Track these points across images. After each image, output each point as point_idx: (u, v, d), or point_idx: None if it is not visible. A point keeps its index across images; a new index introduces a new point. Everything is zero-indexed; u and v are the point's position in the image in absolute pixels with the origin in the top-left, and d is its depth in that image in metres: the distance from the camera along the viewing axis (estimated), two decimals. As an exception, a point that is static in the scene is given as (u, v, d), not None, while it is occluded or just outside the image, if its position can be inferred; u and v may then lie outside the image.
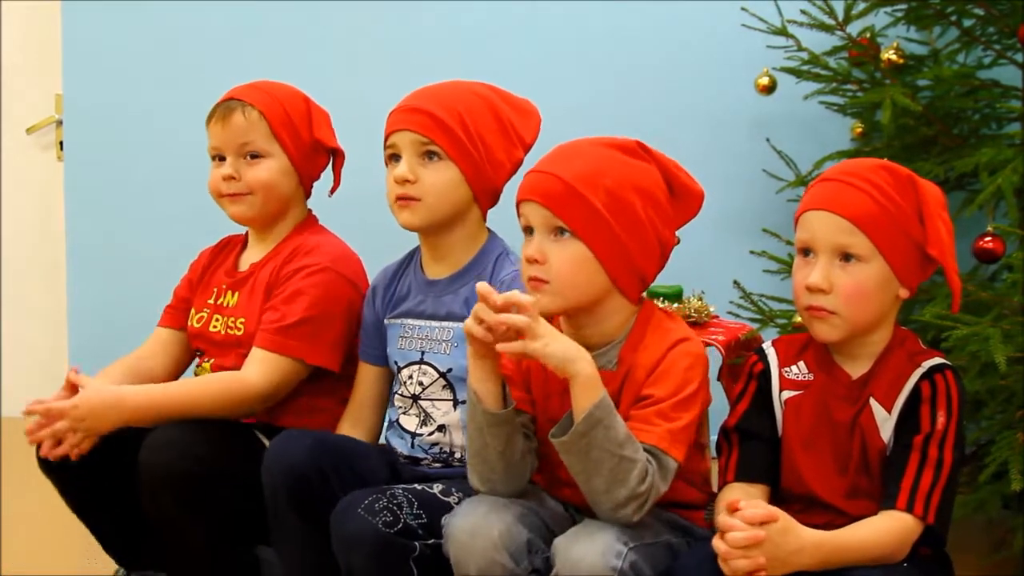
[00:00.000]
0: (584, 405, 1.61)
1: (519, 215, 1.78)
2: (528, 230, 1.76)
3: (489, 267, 2.04)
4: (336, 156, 2.31)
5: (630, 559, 1.60)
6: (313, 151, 2.26)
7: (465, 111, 2.00)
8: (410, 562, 1.79)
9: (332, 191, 2.32)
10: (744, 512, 1.52)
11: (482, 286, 1.63)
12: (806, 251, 1.71)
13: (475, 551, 1.66)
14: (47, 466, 2.12)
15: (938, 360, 1.72)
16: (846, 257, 1.66)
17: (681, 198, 1.80)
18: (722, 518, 1.54)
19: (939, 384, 1.68)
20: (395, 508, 1.79)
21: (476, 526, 1.67)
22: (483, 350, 1.66)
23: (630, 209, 1.72)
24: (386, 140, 2.04)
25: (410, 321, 2.09)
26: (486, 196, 2.05)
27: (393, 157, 2.03)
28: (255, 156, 2.19)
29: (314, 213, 2.32)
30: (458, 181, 2.00)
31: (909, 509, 1.61)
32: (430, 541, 1.80)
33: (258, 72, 3.35)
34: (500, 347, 1.62)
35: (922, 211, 1.69)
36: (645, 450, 1.64)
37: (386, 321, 2.13)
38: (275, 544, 1.98)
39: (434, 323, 2.06)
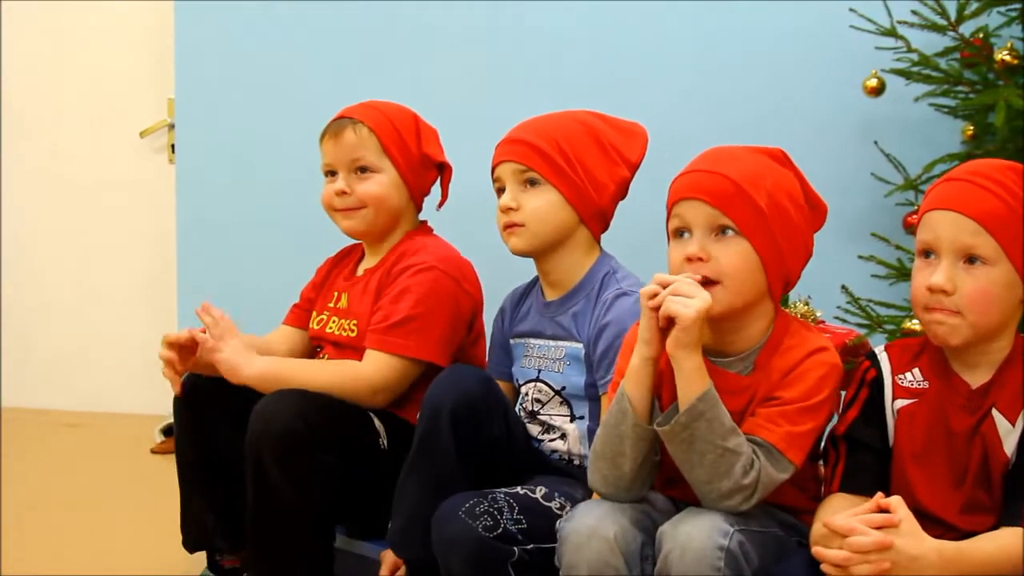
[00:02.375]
0: (688, 396, 1.63)
1: (670, 216, 1.79)
2: (679, 232, 1.77)
3: (596, 285, 2.08)
4: (444, 171, 2.38)
5: (737, 539, 1.61)
6: (422, 166, 2.34)
7: (562, 138, 2.07)
8: (508, 566, 1.82)
9: (440, 205, 2.41)
10: (867, 516, 1.50)
11: None
12: (927, 252, 1.66)
13: (590, 552, 1.68)
14: (190, 426, 2.27)
15: (1068, 371, 1.66)
16: (971, 259, 1.62)
17: (814, 209, 1.84)
18: (840, 519, 1.52)
19: None
20: (496, 512, 1.83)
21: (593, 528, 1.69)
22: (658, 350, 1.69)
23: (786, 213, 1.75)
24: (493, 174, 2.13)
25: (531, 340, 2.16)
26: (593, 218, 2.11)
27: (500, 190, 2.11)
28: (366, 171, 2.28)
29: (428, 224, 2.40)
30: (559, 204, 2.06)
31: None
32: (529, 547, 1.83)
33: (370, 74, 3.46)
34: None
35: None
36: (761, 446, 1.66)
37: (511, 341, 2.21)
38: (411, 473, 1.99)
39: (550, 343, 2.12)
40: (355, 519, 2.27)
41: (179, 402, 2.25)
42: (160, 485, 2.78)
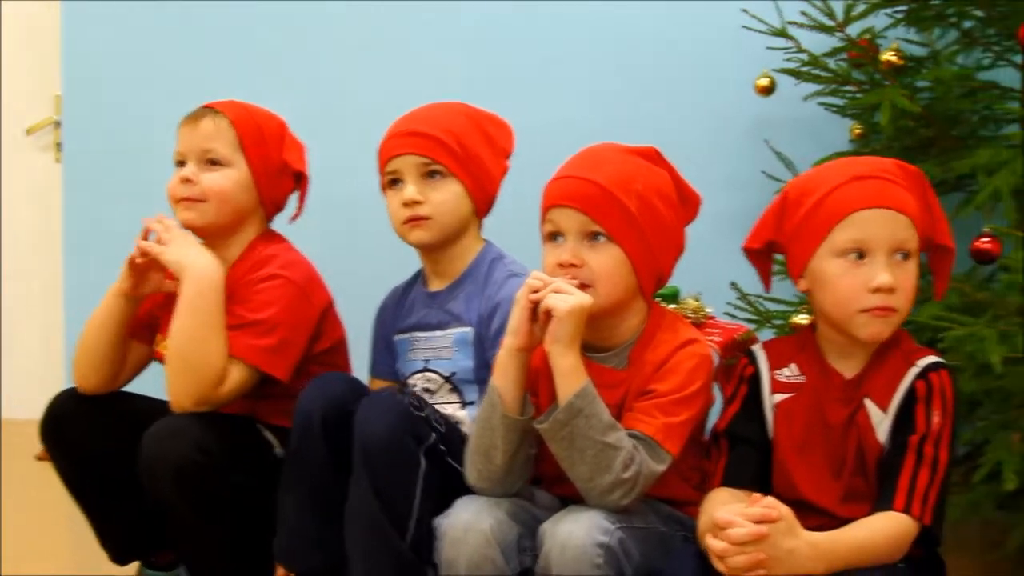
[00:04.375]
0: (566, 393, 1.65)
1: (544, 221, 1.81)
2: (554, 236, 1.79)
3: (484, 269, 2.09)
4: (302, 182, 2.27)
5: (618, 536, 1.63)
6: (279, 172, 2.22)
7: (459, 130, 2.07)
8: (421, 451, 1.82)
9: (293, 218, 2.28)
10: (746, 510, 1.52)
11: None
12: (855, 252, 1.65)
13: (467, 547, 1.69)
14: (60, 450, 2.15)
15: (933, 358, 1.71)
16: (904, 255, 1.65)
17: (686, 203, 1.87)
18: (721, 513, 1.53)
19: (934, 383, 1.67)
20: (422, 404, 1.86)
21: (469, 522, 1.70)
22: (526, 341, 1.70)
23: (657, 214, 1.78)
24: (384, 167, 2.09)
25: (417, 334, 2.14)
26: (484, 207, 2.12)
27: (393, 182, 2.08)
28: (216, 163, 2.16)
29: (277, 231, 2.27)
30: (462, 195, 2.06)
31: (907, 510, 1.60)
32: (442, 447, 1.85)
33: (261, 73, 3.41)
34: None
35: (930, 204, 1.70)
36: (640, 439, 1.68)
37: (395, 338, 2.18)
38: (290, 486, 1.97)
39: (436, 332, 2.10)
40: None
41: (45, 431, 2.15)
42: (48, 491, 2.70)
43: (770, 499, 1.54)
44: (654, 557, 1.69)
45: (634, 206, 1.75)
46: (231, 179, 2.16)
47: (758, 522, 1.50)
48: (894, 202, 1.65)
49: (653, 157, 1.84)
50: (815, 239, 1.69)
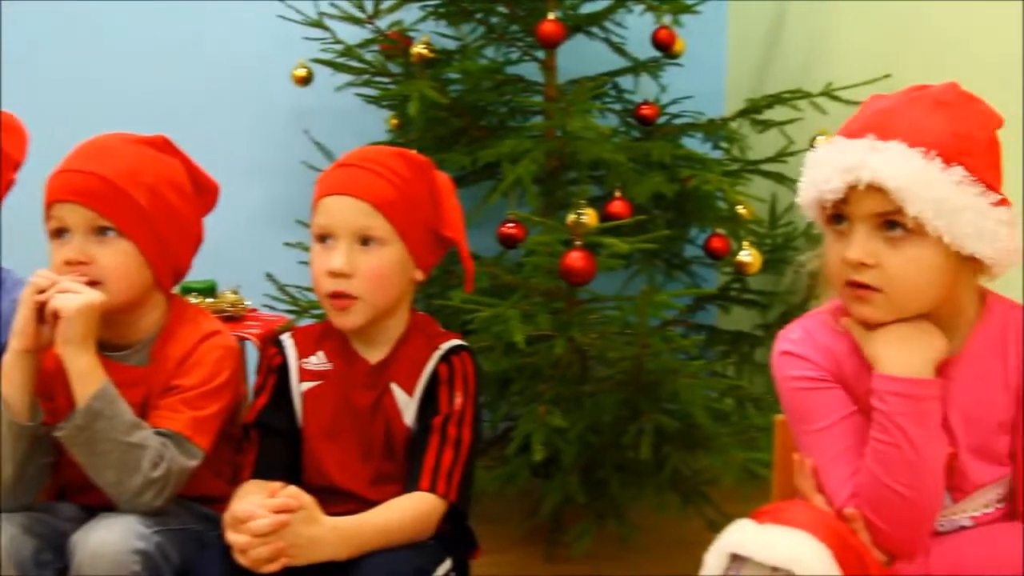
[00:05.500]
0: (84, 396, 1.59)
1: (48, 217, 1.70)
2: (60, 232, 1.69)
3: None
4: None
5: (155, 540, 1.59)
6: None
7: None
8: None
9: None
10: (266, 502, 1.51)
11: None
12: (324, 237, 1.69)
13: None
14: None
15: (455, 342, 1.76)
16: (365, 241, 1.67)
17: (202, 193, 1.82)
18: (241, 506, 1.52)
19: (456, 365, 1.72)
20: None
21: None
22: (32, 342, 1.61)
23: (170, 205, 1.73)
24: None
25: None
26: None
27: None
28: None
29: None
30: None
31: (432, 488, 1.64)
32: None
33: None
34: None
35: (436, 195, 1.74)
36: (168, 436, 1.64)
37: None
38: None
39: None
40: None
41: None
42: None
43: (291, 488, 1.54)
44: (192, 558, 1.65)
45: (144, 198, 1.69)
46: None
47: (279, 512, 1.50)
48: (356, 190, 1.68)
49: (163, 146, 1.78)
50: None
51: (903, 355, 1.42)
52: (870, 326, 1.46)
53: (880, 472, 1.41)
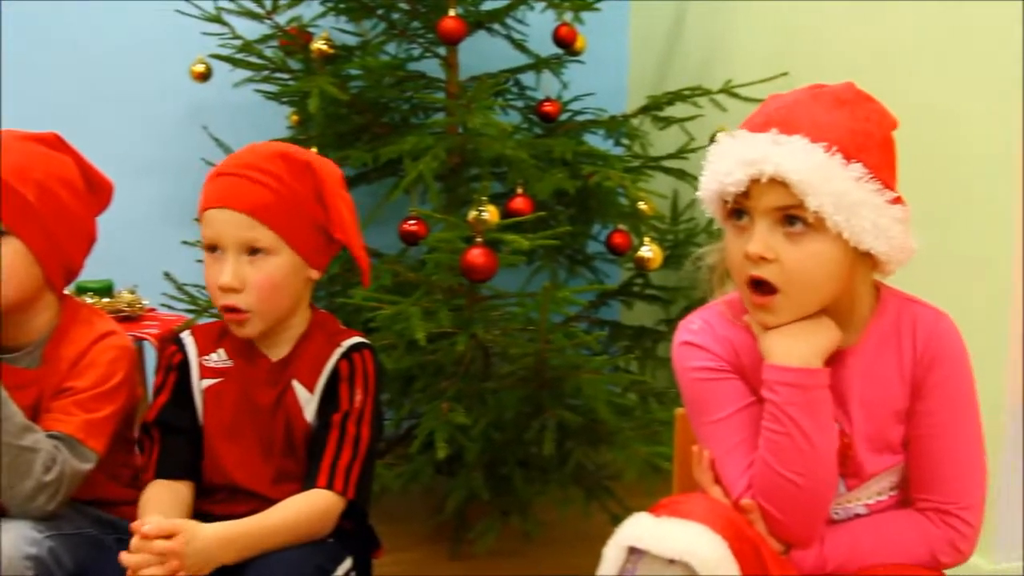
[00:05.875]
0: None
1: None
2: None
3: None
4: None
5: (48, 545, 1.56)
6: None
7: None
8: None
9: None
10: (145, 529, 1.48)
11: None
12: (213, 248, 1.65)
13: None
14: None
15: (356, 339, 1.74)
16: (253, 251, 1.64)
17: (96, 191, 1.79)
18: (135, 540, 1.48)
19: (357, 363, 1.71)
20: None
21: None
22: None
23: (60, 203, 1.69)
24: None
25: None
26: None
27: None
28: None
29: None
30: None
31: (330, 486, 1.62)
32: None
33: None
34: None
35: (322, 194, 1.69)
36: (61, 439, 1.61)
37: None
38: None
39: None
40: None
41: None
42: None
43: (154, 520, 1.50)
44: (87, 563, 1.63)
45: (33, 196, 1.65)
46: None
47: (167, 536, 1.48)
48: (234, 202, 1.64)
49: (54, 143, 1.74)
50: None
51: (793, 346, 1.44)
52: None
53: (773, 461, 1.43)
